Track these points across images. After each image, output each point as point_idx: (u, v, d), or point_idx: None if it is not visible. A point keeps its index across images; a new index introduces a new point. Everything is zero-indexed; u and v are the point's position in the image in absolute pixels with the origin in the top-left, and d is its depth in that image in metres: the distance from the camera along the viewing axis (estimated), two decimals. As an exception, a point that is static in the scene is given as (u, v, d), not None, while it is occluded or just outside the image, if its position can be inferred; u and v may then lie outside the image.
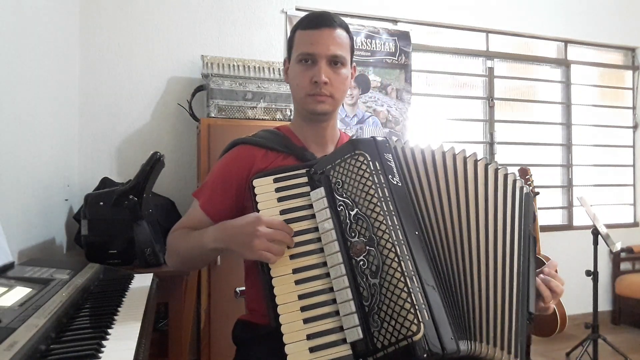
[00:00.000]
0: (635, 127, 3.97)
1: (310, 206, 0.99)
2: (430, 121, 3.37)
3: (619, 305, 3.69)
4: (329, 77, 1.13)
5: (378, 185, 0.94)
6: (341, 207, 0.95)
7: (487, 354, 0.90)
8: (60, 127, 2.16)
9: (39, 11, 1.86)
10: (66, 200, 2.22)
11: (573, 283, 3.29)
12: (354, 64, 1.24)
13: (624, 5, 3.82)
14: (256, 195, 1.01)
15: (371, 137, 1.05)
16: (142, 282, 1.23)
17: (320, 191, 0.98)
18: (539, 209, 2.89)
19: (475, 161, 1.03)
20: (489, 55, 3.53)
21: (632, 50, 3.97)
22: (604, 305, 3.69)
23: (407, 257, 0.89)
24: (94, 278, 1.16)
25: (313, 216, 0.98)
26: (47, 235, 1.92)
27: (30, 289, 0.91)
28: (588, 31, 3.72)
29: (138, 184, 1.75)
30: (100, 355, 0.70)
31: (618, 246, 2.79)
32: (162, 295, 1.54)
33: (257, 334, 1.11)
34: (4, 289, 0.89)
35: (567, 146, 3.75)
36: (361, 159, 0.97)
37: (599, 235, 2.71)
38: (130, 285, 1.18)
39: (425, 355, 0.82)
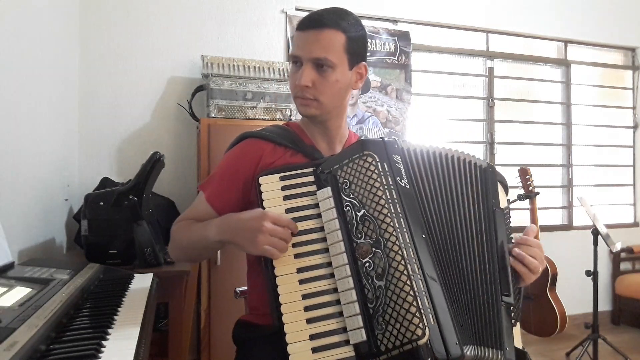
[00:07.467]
0: (635, 127, 3.97)
1: (316, 205, 0.98)
2: (430, 121, 3.36)
3: (619, 305, 3.69)
4: (313, 80, 1.10)
5: (386, 187, 0.94)
6: (348, 207, 0.95)
7: (491, 358, 0.89)
8: (60, 127, 2.16)
9: (39, 11, 1.86)
10: (66, 200, 2.22)
11: (573, 283, 3.32)
12: (363, 63, 1.19)
13: (624, 5, 3.82)
14: (262, 192, 1.00)
15: (380, 137, 1.04)
16: (142, 282, 1.23)
17: (327, 191, 0.97)
18: (539, 209, 2.88)
19: (470, 162, 1.05)
20: (489, 55, 3.53)
21: (632, 50, 3.96)
22: (604, 305, 3.69)
23: (414, 260, 0.89)
24: (94, 278, 1.16)
25: (318, 215, 0.97)
26: (47, 235, 1.92)
27: (30, 289, 0.91)
28: (588, 31, 3.72)
29: (138, 184, 1.75)
30: (100, 355, 0.70)
31: (618, 246, 2.80)
32: (162, 295, 1.54)
33: (258, 335, 1.10)
34: (4, 289, 0.89)
35: (567, 146, 3.75)
36: (370, 159, 0.96)
37: (599, 235, 2.71)
38: (130, 286, 1.18)
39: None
